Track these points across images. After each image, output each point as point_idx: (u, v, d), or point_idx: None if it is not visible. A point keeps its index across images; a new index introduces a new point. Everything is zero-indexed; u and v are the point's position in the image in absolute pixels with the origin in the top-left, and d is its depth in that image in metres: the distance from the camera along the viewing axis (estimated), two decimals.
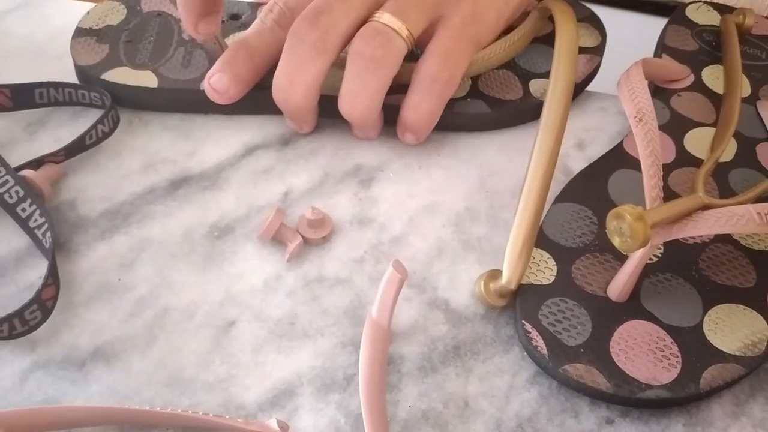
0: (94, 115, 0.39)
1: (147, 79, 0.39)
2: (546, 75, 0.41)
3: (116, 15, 0.42)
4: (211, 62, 0.39)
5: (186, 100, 0.40)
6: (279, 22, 0.38)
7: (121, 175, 0.38)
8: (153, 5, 0.43)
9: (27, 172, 0.35)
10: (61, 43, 0.43)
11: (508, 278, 0.32)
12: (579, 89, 0.42)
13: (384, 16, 0.36)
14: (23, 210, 0.34)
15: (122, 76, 0.39)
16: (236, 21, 0.43)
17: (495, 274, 0.33)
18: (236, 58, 0.38)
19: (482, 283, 0.33)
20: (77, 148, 0.37)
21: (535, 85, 0.41)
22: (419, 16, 0.37)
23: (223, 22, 0.42)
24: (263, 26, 0.39)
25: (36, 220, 0.34)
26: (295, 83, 0.36)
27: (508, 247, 0.33)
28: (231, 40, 0.42)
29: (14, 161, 0.37)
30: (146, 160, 0.38)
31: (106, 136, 0.38)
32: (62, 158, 0.37)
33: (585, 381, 0.30)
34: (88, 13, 0.42)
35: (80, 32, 0.41)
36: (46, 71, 0.42)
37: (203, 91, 0.39)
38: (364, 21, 0.36)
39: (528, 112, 0.40)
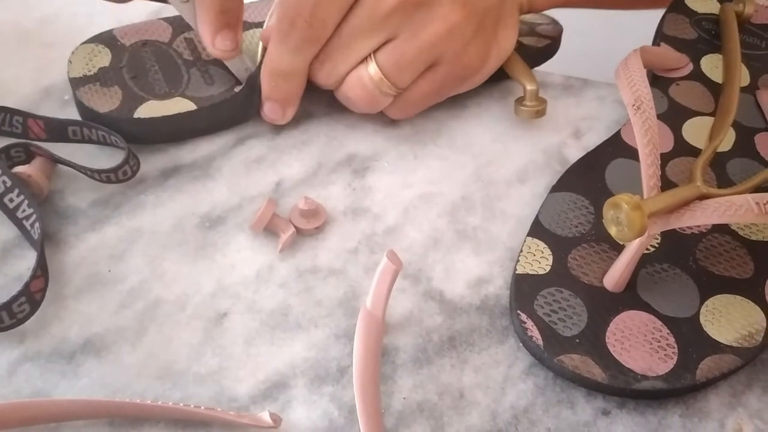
0: None
1: (181, 105, 0.37)
2: None
3: (101, 56, 0.39)
4: (234, 74, 0.39)
5: (229, 114, 0.39)
6: (305, 41, 0.36)
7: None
8: (132, 37, 0.40)
9: (23, 168, 0.35)
10: (48, 31, 0.42)
11: None
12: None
13: (376, 73, 0.36)
14: (11, 200, 0.33)
15: (154, 109, 0.37)
16: None
17: None
18: (277, 87, 0.37)
19: None
20: (68, 163, 0.35)
21: None
22: (412, 74, 0.37)
23: None
24: (288, 45, 0.36)
25: (24, 211, 0.33)
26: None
27: None
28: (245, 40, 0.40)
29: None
30: (136, 149, 0.38)
31: (110, 181, 0.35)
32: (49, 157, 0.36)
33: (580, 372, 0.29)
34: (70, 62, 0.38)
35: (78, 83, 0.38)
36: (34, 59, 0.41)
37: (244, 100, 0.38)
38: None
39: None
